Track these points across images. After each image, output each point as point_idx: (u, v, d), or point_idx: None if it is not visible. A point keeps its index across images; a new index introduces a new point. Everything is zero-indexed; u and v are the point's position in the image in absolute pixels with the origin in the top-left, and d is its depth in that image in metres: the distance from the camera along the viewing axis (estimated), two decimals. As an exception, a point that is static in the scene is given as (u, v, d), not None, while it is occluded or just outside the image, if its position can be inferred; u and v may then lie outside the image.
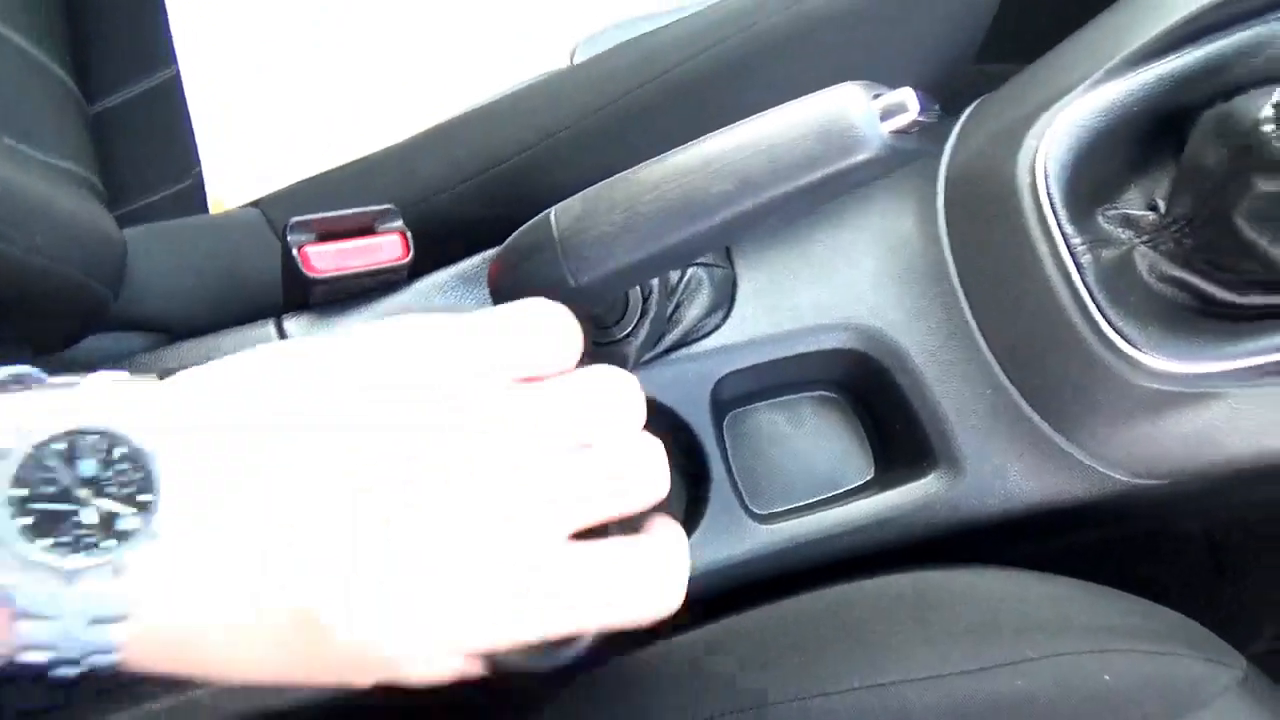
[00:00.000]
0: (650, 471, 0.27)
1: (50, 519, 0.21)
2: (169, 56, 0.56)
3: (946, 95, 0.51)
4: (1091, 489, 0.41)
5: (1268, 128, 0.32)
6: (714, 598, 0.41)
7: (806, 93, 0.44)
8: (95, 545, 0.21)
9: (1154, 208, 0.40)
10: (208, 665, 0.23)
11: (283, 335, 0.42)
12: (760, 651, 0.37)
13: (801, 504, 0.45)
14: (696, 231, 0.31)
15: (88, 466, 0.21)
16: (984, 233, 0.42)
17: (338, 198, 0.49)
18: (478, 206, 0.46)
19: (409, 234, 0.42)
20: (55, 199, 0.33)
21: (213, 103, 0.55)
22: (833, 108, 0.29)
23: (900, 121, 0.29)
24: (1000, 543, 0.45)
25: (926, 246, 0.44)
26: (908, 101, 0.29)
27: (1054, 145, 0.39)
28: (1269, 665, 0.50)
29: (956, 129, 0.45)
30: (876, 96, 0.30)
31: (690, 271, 0.43)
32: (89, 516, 0.21)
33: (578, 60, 0.48)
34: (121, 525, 0.21)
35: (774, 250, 0.45)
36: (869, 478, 0.46)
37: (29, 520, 0.21)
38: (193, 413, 0.23)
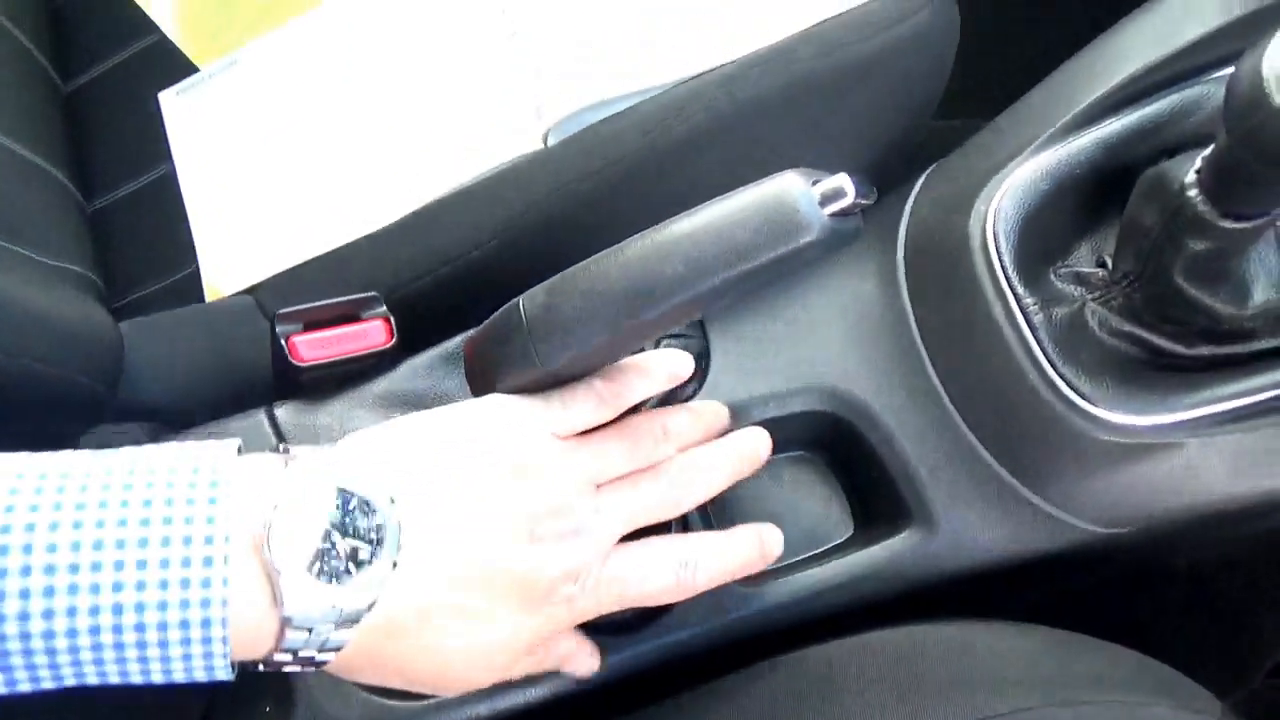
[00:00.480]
0: (682, 489, 0.37)
1: (316, 555, 0.28)
2: (164, 153, 0.58)
3: (907, 152, 0.53)
4: (1062, 540, 0.42)
5: (1192, 192, 0.34)
6: (698, 662, 0.42)
7: (766, 162, 0.46)
8: (347, 574, 0.28)
9: (1103, 264, 0.42)
10: (396, 662, 0.31)
11: (273, 422, 0.43)
12: (740, 715, 0.37)
13: (783, 564, 0.46)
14: (653, 313, 0.32)
15: (334, 515, 0.29)
16: (941, 294, 0.43)
17: (326, 283, 0.52)
18: (457, 288, 0.47)
19: (392, 319, 0.44)
20: (53, 306, 0.35)
21: (208, 194, 0.58)
22: (776, 195, 0.31)
23: (839, 205, 0.31)
24: (980, 594, 0.46)
25: (889, 308, 0.45)
26: (845, 186, 0.31)
27: (1002, 209, 0.41)
28: (1262, 700, 0.50)
29: (913, 195, 0.47)
30: (815, 182, 0.32)
31: (663, 343, 0.45)
32: (340, 551, 0.28)
33: (551, 143, 0.51)
34: (361, 556, 0.29)
35: (744, 317, 0.47)
36: (849, 535, 0.47)
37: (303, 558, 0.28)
38: (394, 473, 0.31)
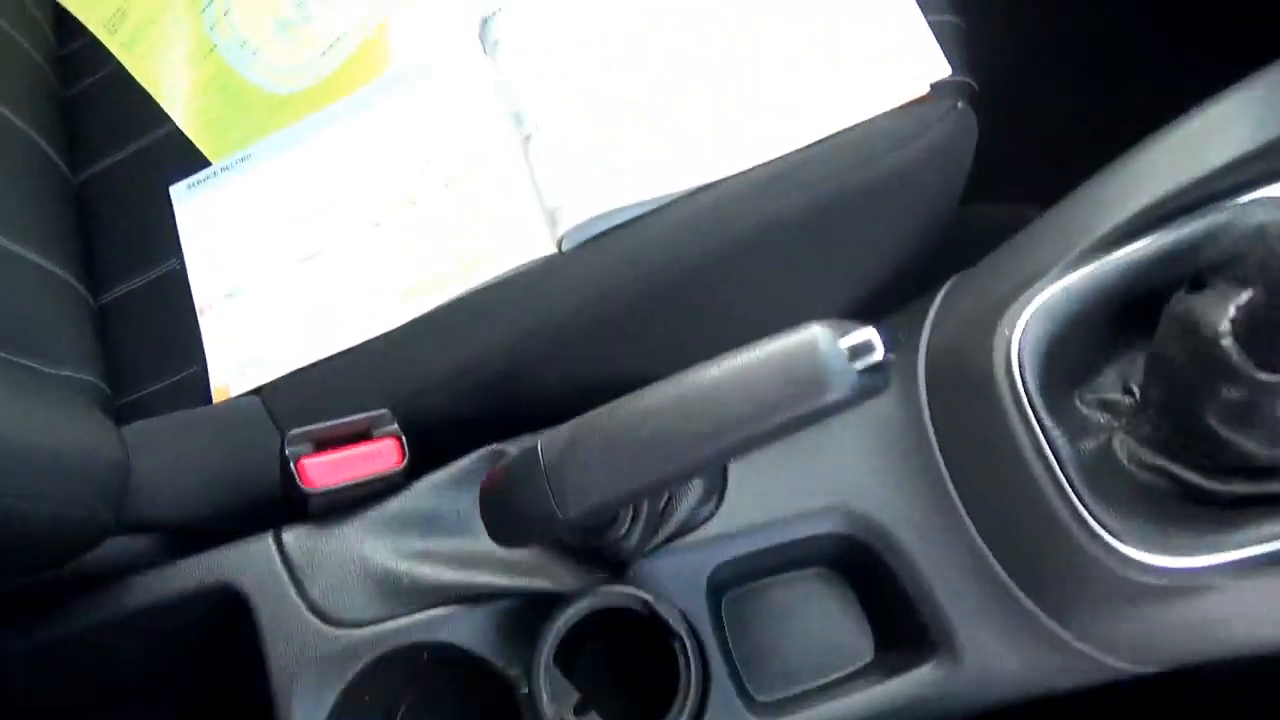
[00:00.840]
0: None
1: None
2: (174, 247, 0.58)
3: (926, 256, 0.52)
4: (1091, 676, 0.41)
5: (1225, 341, 0.33)
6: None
7: (785, 282, 0.45)
8: None
9: (1129, 392, 0.41)
10: None
11: (280, 548, 0.42)
12: None
13: (803, 690, 0.44)
14: (675, 469, 0.32)
15: None
16: (964, 419, 0.42)
17: (336, 389, 0.51)
18: (471, 403, 0.47)
19: (404, 438, 0.43)
20: (56, 437, 0.34)
21: (216, 290, 0.58)
22: (803, 350, 0.31)
23: (867, 361, 0.30)
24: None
25: (910, 427, 0.44)
26: (873, 341, 0.30)
27: (1027, 335, 0.40)
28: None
29: (933, 309, 0.46)
30: (843, 335, 0.31)
31: (680, 462, 0.44)
32: None
33: (566, 248, 0.50)
34: None
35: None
36: (870, 658, 0.45)
37: None
38: None
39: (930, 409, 0.44)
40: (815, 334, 0.31)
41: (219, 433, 0.51)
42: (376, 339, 0.51)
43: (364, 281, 0.54)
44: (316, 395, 0.51)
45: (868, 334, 0.30)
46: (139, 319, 0.58)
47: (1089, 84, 0.75)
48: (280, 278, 0.55)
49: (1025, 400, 0.40)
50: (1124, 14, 0.76)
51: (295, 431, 0.42)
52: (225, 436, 0.51)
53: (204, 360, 0.56)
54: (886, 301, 0.50)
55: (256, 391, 0.53)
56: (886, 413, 0.45)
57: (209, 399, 0.55)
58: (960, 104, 0.48)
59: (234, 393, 0.54)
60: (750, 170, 0.47)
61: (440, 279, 0.52)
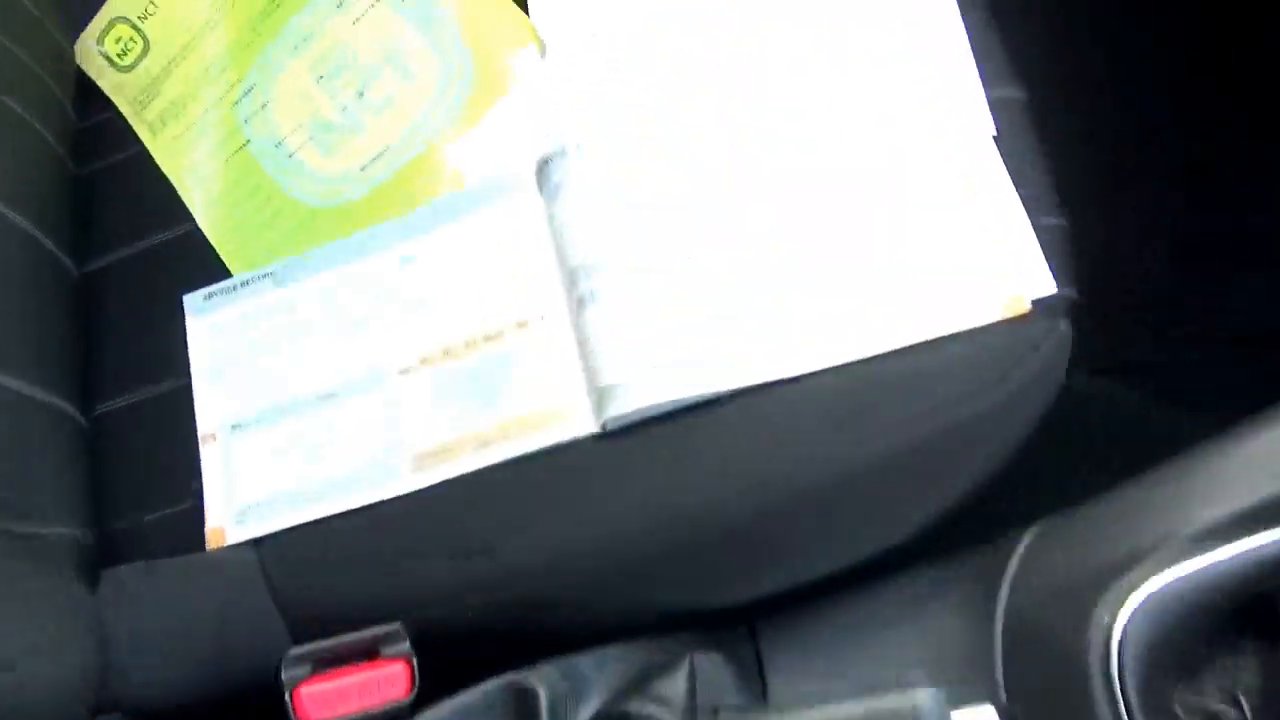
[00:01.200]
0: None
1: None
2: (181, 363, 0.53)
3: (1016, 470, 0.47)
4: None
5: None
6: None
7: (852, 523, 0.41)
8: None
9: (1236, 700, 0.37)
10: None
11: (265, 786, 0.38)
12: None
13: None
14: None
15: None
16: (1048, 708, 0.38)
17: (341, 562, 0.46)
18: (487, 619, 0.42)
19: (414, 661, 0.39)
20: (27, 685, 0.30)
21: (224, 420, 0.53)
22: (908, 722, 0.26)
23: (984, 748, 0.26)
24: None
25: (984, 693, 0.40)
26: (992, 722, 0.26)
27: (1130, 629, 0.36)
28: None
29: (1015, 562, 0.42)
30: (956, 710, 0.26)
31: (721, 714, 0.40)
32: None
33: (610, 428, 0.46)
34: None
35: (813, 681, 0.41)
36: None
37: None
38: None
39: (1006, 682, 0.40)
40: (922, 705, 0.26)
41: (208, 591, 0.47)
42: (390, 513, 0.46)
43: (382, 435, 0.49)
44: (318, 563, 0.46)
45: (986, 716, 0.26)
46: (135, 438, 0.53)
47: (1180, 263, 0.71)
48: (292, 416, 0.51)
49: (1124, 712, 0.35)
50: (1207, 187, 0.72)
51: (295, 652, 0.37)
52: (215, 596, 0.46)
53: (201, 494, 0.51)
54: (957, 529, 0.46)
55: (255, 543, 0.48)
56: (958, 671, 0.41)
57: (202, 540, 0.50)
58: (1063, 324, 0.44)
59: (230, 540, 0.49)
60: (829, 388, 0.42)
61: (465, 445, 0.47)
